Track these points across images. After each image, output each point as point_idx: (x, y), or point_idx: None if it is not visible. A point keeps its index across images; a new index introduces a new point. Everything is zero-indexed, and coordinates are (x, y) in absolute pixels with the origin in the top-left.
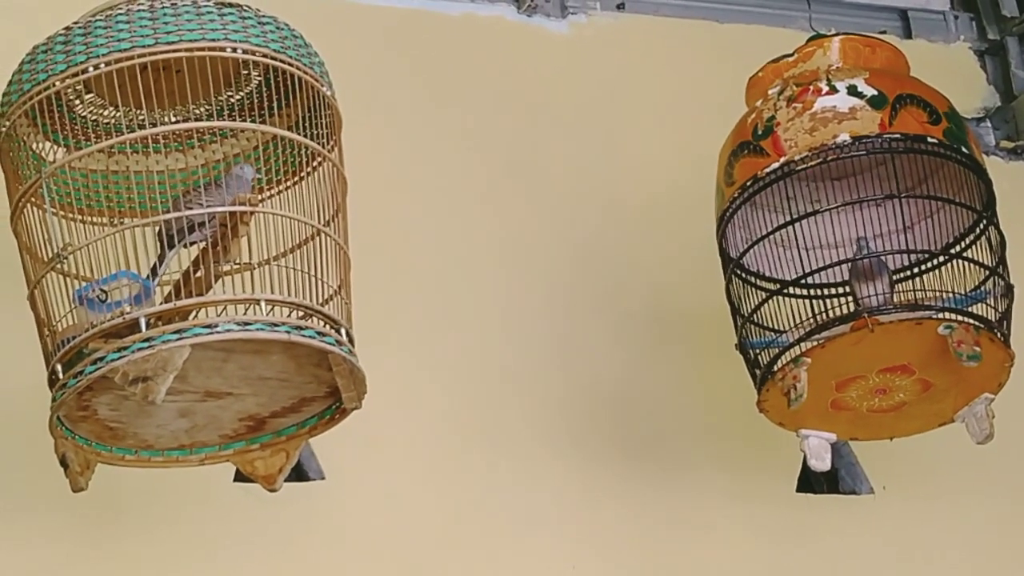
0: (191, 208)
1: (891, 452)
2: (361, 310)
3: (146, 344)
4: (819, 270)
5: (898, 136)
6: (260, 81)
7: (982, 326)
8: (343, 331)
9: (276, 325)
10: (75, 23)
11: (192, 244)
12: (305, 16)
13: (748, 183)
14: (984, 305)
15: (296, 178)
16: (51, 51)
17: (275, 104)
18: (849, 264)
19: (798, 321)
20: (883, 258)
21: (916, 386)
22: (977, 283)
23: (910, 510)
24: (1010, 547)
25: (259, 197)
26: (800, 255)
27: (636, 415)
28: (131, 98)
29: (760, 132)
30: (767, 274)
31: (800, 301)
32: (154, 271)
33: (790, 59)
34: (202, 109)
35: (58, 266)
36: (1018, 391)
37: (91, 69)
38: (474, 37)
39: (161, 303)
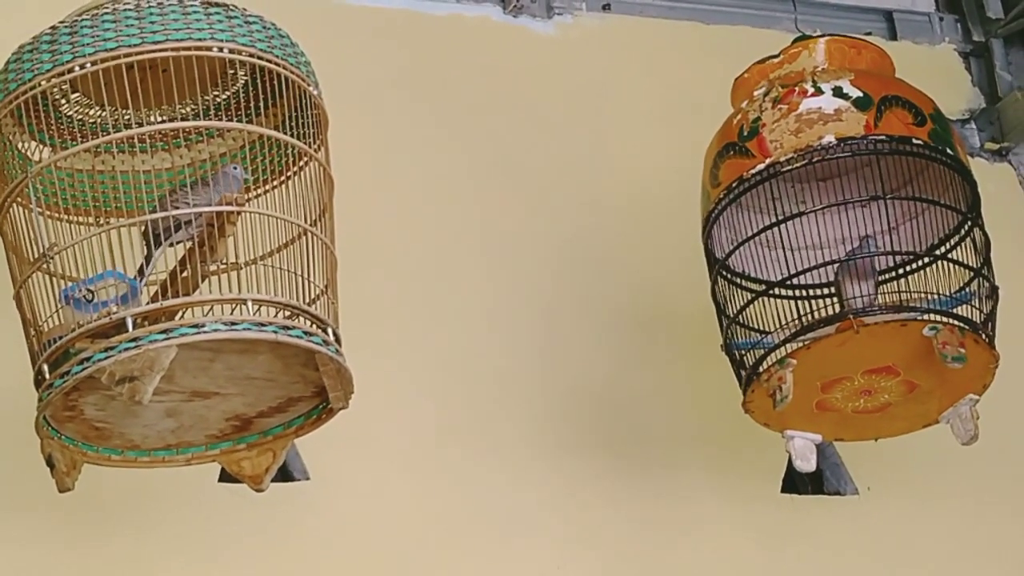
0: (177, 207)
1: (876, 453)
2: (347, 310)
3: (133, 344)
4: (805, 271)
5: (883, 138)
6: (246, 80)
7: (967, 327)
8: (330, 331)
9: (263, 325)
10: (61, 22)
11: (178, 243)
12: (291, 16)
13: (734, 184)
14: (969, 306)
15: (283, 178)
16: (37, 50)
17: (261, 103)
18: (834, 265)
19: (784, 322)
20: (874, 259)
21: (901, 387)
22: (962, 284)
23: (895, 511)
24: (994, 547)
25: (245, 196)
26: (786, 256)
27: (621, 416)
28: (117, 97)
29: (746, 133)
30: (753, 275)
31: (786, 302)
32: (141, 271)
33: (776, 60)
34: (188, 108)
35: (44, 266)
36: (1003, 392)
37: (77, 68)
38: (460, 37)
39: (148, 303)
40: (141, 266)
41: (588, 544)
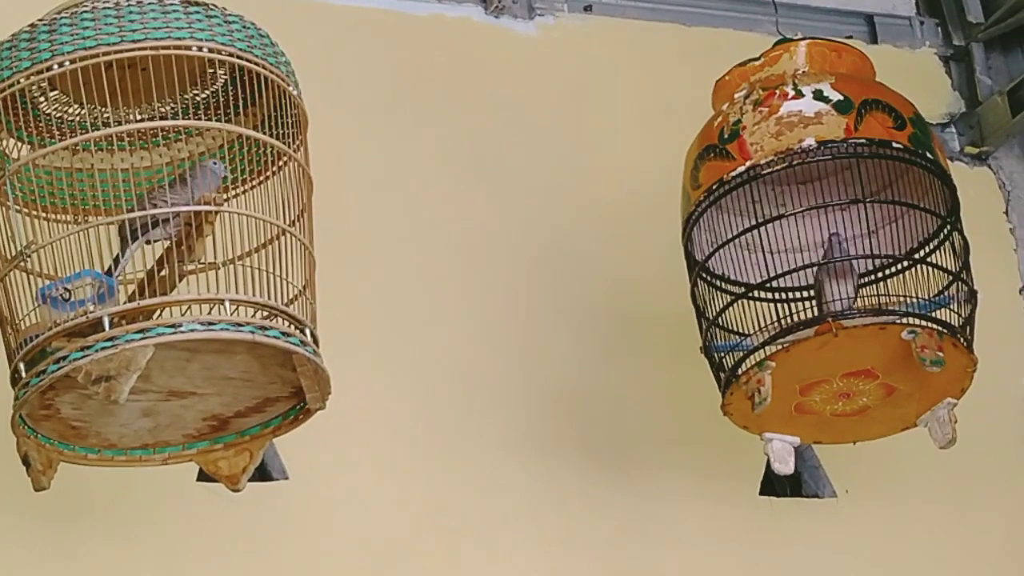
0: (156, 206)
1: (854, 456)
2: (325, 311)
3: (109, 343)
4: (784, 274)
5: (863, 141)
6: (226, 80)
7: (945, 331)
8: (308, 331)
9: (240, 325)
10: (40, 20)
11: (156, 241)
12: (271, 15)
13: (714, 186)
14: (948, 310)
15: (261, 177)
16: (16, 48)
17: (241, 103)
18: (814, 268)
19: (763, 325)
20: (854, 261)
21: (879, 390)
22: (941, 288)
23: (873, 514)
24: (971, 550)
25: (224, 196)
26: (765, 259)
27: (600, 418)
28: (96, 96)
29: (726, 136)
30: (732, 277)
31: (765, 305)
32: (116, 262)
33: (757, 63)
34: (167, 107)
35: (21, 264)
36: (981, 396)
37: (56, 67)
38: (442, 38)
39: (125, 302)
40: (117, 258)
41: (566, 546)
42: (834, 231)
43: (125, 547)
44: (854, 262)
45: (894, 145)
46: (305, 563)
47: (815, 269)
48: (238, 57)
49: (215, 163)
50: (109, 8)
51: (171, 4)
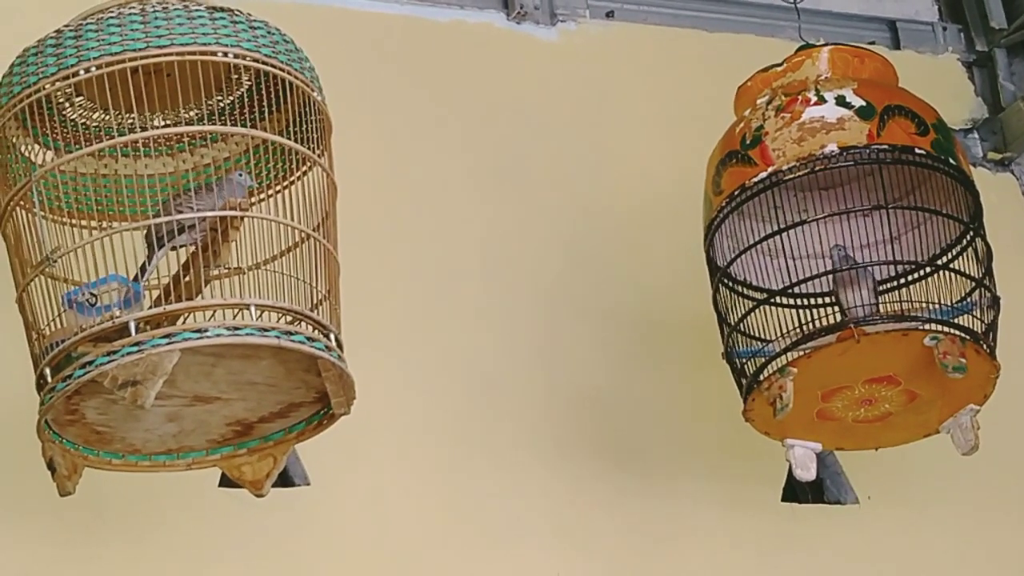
0: (181, 211)
1: (876, 462)
2: (349, 315)
3: (136, 348)
4: (806, 280)
5: (886, 147)
6: (250, 85)
7: (968, 337)
8: (332, 336)
9: (266, 330)
10: (66, 26)
11: (181, 247)
12: (295, 21)
13: (736, 192)
14: (970, 316)
15: (286, 183)
16: (42, 54)
17: (265, 108)
18: (835, 274)
19: (785, 331)
20: (868, 268)
21: (901, 397)
22: (963, 294)
23: (895, 520)
24: (994, 557)
25: (249, 201)
26: (787, 265)
27: (621, 423)
28: (121, 101)
29: (748, 142)
30: (754, 283)
31: (787, 310)
32: (143, 269)
33: (779, 69)
34: (192, 113)
35: (47, 269)
36: (1003, 403)
37: (82, 72)
38: (463, 44)
39: (150, 307)
40: (143, 265)
41: (587, 551)
42: (835, 244)
43: (145, 553)
44: (870, 268)
45: (916, 151)
46: (326, 568)
47: (834, 276)
48: (262, 63)
49: (240, 174)
50: (135, 14)
51: (197, 10)
